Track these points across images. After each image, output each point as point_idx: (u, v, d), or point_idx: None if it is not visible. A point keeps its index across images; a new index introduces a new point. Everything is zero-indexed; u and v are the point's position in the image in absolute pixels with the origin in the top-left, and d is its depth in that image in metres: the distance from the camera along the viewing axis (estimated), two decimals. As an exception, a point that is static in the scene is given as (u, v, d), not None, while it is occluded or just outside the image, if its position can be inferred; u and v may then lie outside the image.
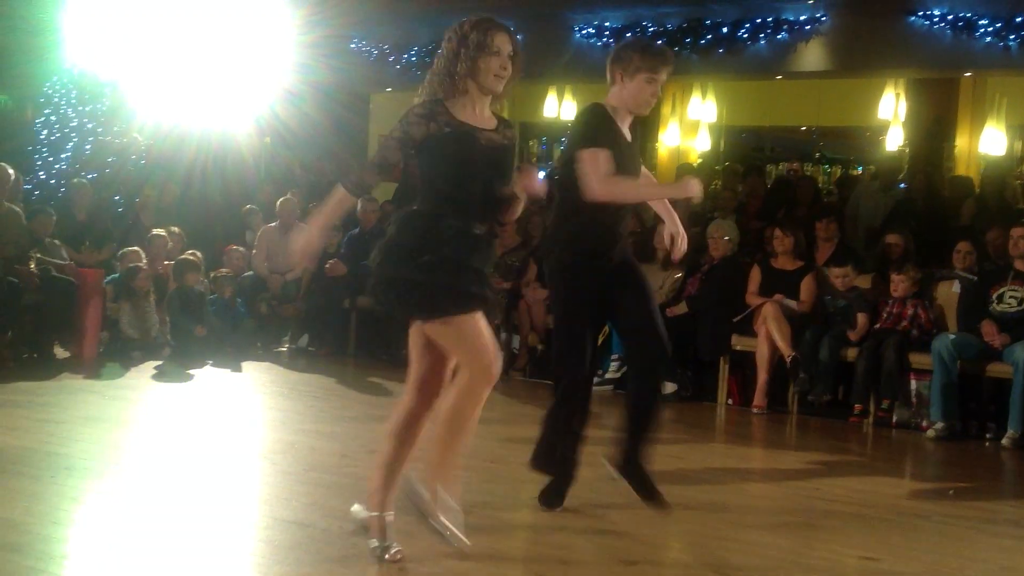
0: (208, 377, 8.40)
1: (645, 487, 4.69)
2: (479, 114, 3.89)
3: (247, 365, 8.94)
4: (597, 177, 4.48)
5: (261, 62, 11.54)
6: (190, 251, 9.69)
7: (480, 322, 3.82)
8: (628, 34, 10.76)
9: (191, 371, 8.45)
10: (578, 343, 4.70)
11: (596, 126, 4.63)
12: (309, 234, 4.00)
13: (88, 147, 11.16)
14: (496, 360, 3.80)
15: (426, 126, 3.80)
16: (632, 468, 4.71)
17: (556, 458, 4.79)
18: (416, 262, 3.78)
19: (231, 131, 11.55)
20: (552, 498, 4.77)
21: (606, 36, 10.91)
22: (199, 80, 11.48)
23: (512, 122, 4.10)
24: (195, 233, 10.39)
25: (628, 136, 4.73)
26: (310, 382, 8.41)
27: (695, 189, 4.57)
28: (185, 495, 4.94)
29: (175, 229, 10.07)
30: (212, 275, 9.72)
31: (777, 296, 8.08)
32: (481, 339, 3.79)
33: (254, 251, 10.33)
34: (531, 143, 14.19)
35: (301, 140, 11.91)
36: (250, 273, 10.14)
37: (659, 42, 10.52)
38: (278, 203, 10.50)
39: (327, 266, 9.88)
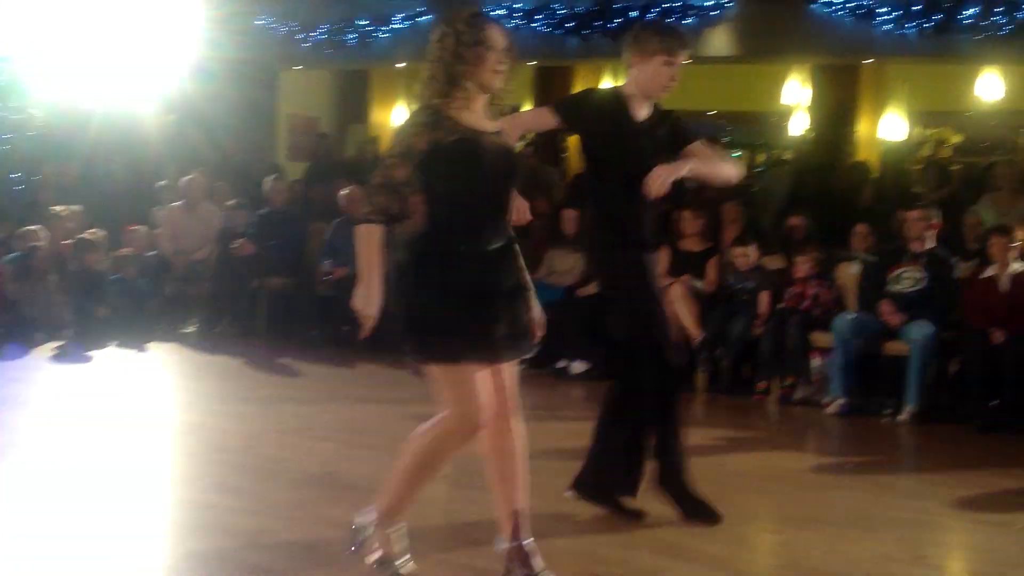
0: (111, 358, 8.23)
1: (697, 508, 4.58)
2: (479, 117, 3.59)
3: (152, 346, 8.78)
4: (513, 118, 4.26)
5: (167, 36, 11.28)
6: (90, 230, 9.47)
7: (484, 374, 3.49)
8: (538, 16, 10.79)
9: (94, 352, 8.27)
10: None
11: (586, 100, 4.52)
12: (371, 289, 3.48)
13: (-16, 123, 10.83)
14: (482, 411, 3.47)
15: (429, 135, 3.48)
16: (678, 488, 4.61)
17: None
18: (427, 294, 3.47)
19: (135, 108, 11.29)
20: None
21: (516, 18, 10.90)
22: (102, 55, 11.18)
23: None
24: (98, 212, 10.16)
25: (640, 119, 4.45)
26: (218, 363, 8.30)
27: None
28: (88, 476, 4.85)
29: (75, 207, 9.82)
30: (114, 255, 9.51)
31: (685, 277, 8.20)
32: (469, 387, 3.45)
33: (158, 231, 10.12)
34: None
35: (208, 117, 11.69)
36: (155, 253, 9.94)
37: (569, 24, 10.69)
38: (183, 181, 10.30)
39: (234, 246, 9.73)
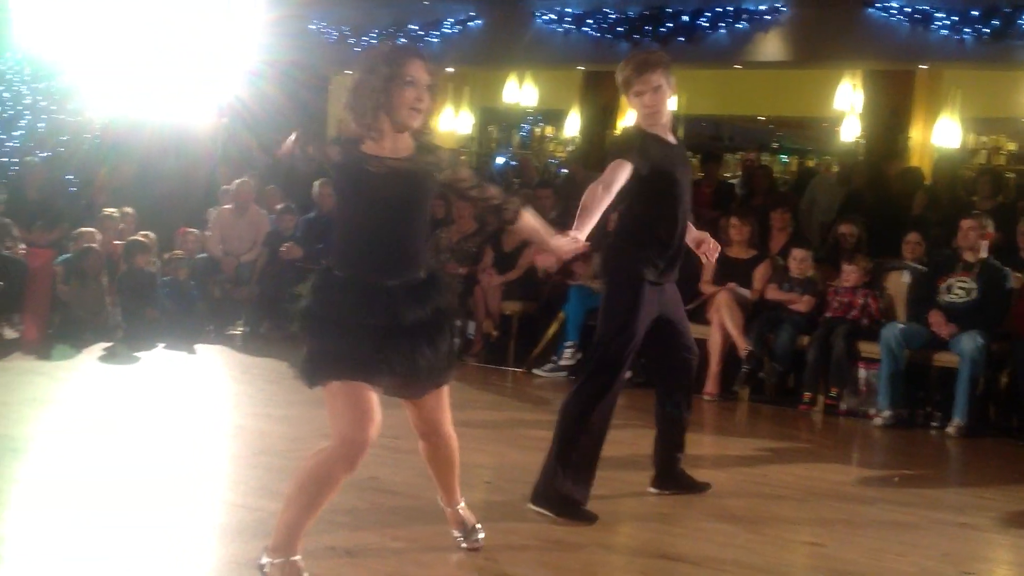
0: (159, 359, 8.33)
1: (696, 486, 5.11)
2: (391, 146, 3.50)
3: (199, 348, 8.87)
4: (601, 183, 4.41)
5: (221, 41, 11.41)
6: (142, 232, 9.60)
7: (358, 391, 3.39)
8: (589, 21, 10.77)
9: (142, 353, 8.38)
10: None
11: (628, 141, 4.61)
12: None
13: (41, 125, 11.01)
14: (363, 436, 3.37)
15: (330, 151, 3.53)
16: (679, 476, 5.09)
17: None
18: (306, 319, 3.52)
19: (190, 111, 11.42)
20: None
21: (567, 22, 10.90)
22: (158, 59, 11.33)
23: (442, 148, 3.65)
24: (151, 214, 10.29)
25: (676, 144, 4.75)
26: (262, 366, 8.37)
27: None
28: (133, 478, 4.90)
29: (128, 210, 9.97)
30: (165, 257, 9.63)
31: (730, 285, 8.14)
32: (351, 409, 3.39)
33: (208, 233, 10.24)
34: (490, 128, 14.17)
35: (260, 121, 11.80)
36: (204, 255, 10.06)
37: (620, 29, 10.66)
38: (234, 185, 10.41)
39: (282, 249, 9.82)
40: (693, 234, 4.91)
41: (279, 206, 10.32)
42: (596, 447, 4.65)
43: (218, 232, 10.19)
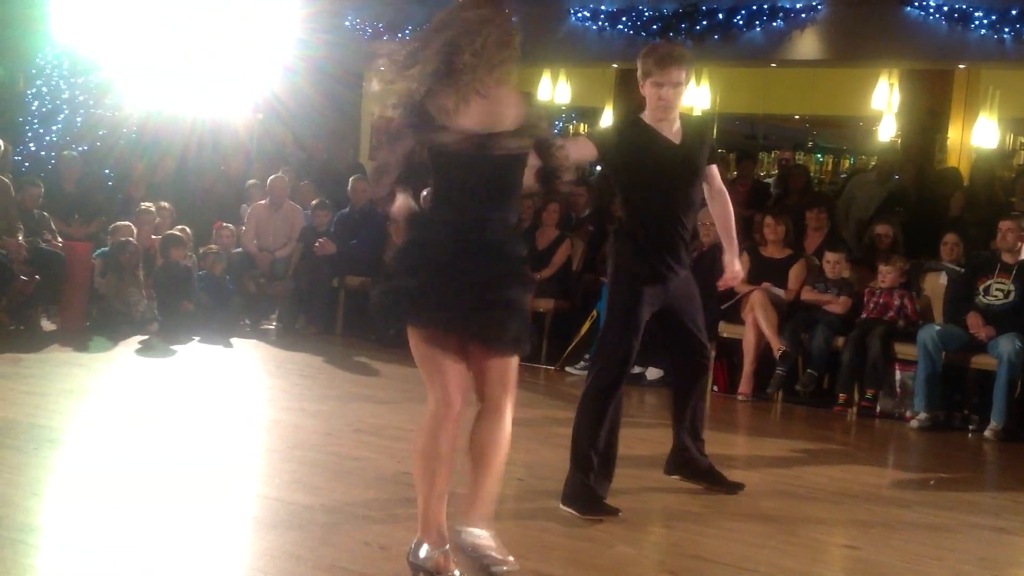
0: (194, 353, 8.39)
1: (721, 481, 5.11)
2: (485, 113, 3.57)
3: (234, 342, 8.93)
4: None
5: (257, 36, 11.47)
6: (179, 227, 9.67)
7: (438, 355, 3.53)
8: (623, 19, 10.74)
9: (177, 346, 8.44)
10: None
11: (606, 131, 4.79)
12: None
13: (79, 120, 11.11)
14: (448, 390, 3.51)
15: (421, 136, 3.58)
16: (701, 468, 5.11)
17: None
18: (402, 256, 3.59)
19: (226, 107, 11.50)
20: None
21: (601, 20, 10.87)
22: (194, 54, 11.41)
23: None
24: (187, 209, 10.36)
25: (675, 140, 4.69)
26: (297, 360, 8.41)
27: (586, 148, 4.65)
28: (168, 471, 4.95)
29: (164, 204, 10.05)
30: (201, 251, 9.70)
31: (765, 284, 8.09)
32: (437, 375, 3.53)
33: (244, 228, 10.30)
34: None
35: (295, 116, 11.86)
36: (239, 250, 10.12)
37: (655, 27, 10.63)
38: (269, 180, 10.47)
39: (316, 245, 9.87)
40: (725, 256, 5.04)
41: (314, 202, 10.37)
42: (613, 442, 4.71)
43: (253, 227, 10.25)
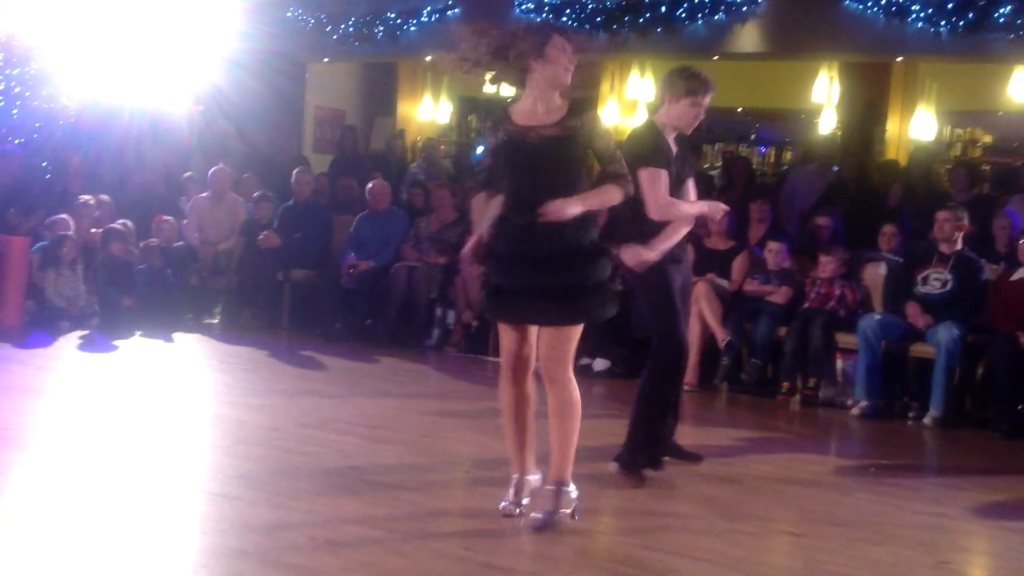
0: (136, 348, 8.28)
1: (688, 455, 5.51)
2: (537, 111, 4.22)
3: (177, 336, 8.83)
4: (655, 200, 4.96)
5: (198, 27, 11.33)
6: (120, 220, 9.53)
7: (504, 328, 4.30)
8: (567, 11, 10.75)
9: (119, 342, 8.33)
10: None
11: (653, 146, 5.04)
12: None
13: (15, 111, 10.89)
14: (507, 361, 4.29)
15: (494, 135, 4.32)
16: (672, 446, 5.45)
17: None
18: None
19: (166, 98, 11.34)
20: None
21: (545, 11, 10.87)
22: (134, 45, 11.23)
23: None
24: (127, 202, 10.21)
25: (674, 148, 5.14)
26: (241, 355, 8.33)
27: (720, 210, 5.41)
28: (110, 467, 4.88)
29: (104, 197, 9.89)
30: (142, 245, 9.56)
31: (709, 275, 8.16)
32: (503, 338, 4.31)
33: (185, 221, 10.18)
34: (470, 118, 14.12)
35: (237, 108, 11.74)
36: (181, 243, 9.99)
37: (598, 19, 10.65)
38: (210, 172, 10.35)
39: (260, 238, 9.77)
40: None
41: (256, 194, 10.27)
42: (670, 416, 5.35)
43: (195, 220, 10.13)
